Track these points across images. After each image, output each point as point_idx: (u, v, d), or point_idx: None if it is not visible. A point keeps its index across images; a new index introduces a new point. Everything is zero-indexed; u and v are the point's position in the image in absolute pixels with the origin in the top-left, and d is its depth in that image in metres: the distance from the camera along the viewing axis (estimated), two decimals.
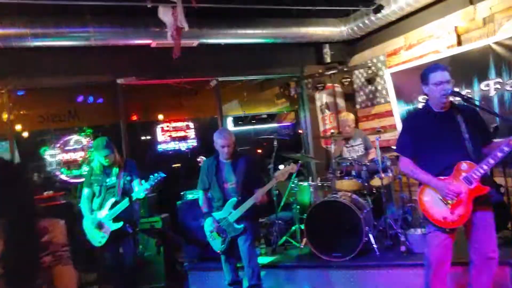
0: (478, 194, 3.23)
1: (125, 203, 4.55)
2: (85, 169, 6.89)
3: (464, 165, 3.25)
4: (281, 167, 4.43)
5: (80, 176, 6.84)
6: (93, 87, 6.59)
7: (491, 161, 3.15)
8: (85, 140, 7.07)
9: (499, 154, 3.11)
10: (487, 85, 5.06)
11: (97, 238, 4.60)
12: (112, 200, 4.61)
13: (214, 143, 4.59)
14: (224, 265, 4.69)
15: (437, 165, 3.35)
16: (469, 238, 3.39)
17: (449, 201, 3.26)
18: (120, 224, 4.57)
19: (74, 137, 7.06)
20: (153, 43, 5.96)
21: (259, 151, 9.21)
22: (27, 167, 6.06)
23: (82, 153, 7.02)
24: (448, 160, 3.31)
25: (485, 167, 3.17)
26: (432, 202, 3.36)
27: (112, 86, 6.32)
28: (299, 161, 5.95)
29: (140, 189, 4.63)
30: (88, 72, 6.12)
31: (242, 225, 4.39)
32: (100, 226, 4.59)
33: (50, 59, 5.84)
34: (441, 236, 3.36)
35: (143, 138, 8.47)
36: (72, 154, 6.97)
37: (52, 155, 6.90)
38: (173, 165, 8.44)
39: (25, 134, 7.07)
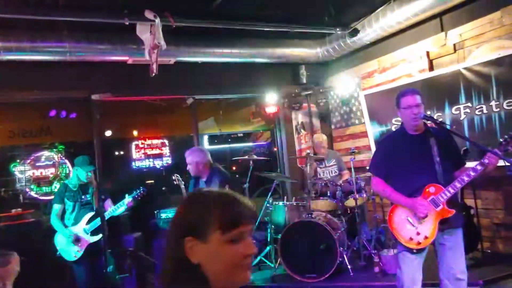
0: (444, 216, 3.29)
1: (98, 220, 4.52)
2: (56, 185, 6.72)
3: (431, 188, 3.33)
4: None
5: (50, 193, 6.66)
6: (67, 103, 6.46)
7: (458, 185, 3.23)
8: (56, 157, 6.89)
9: (466, 179, 3.20)
10: (458, 109, 5.20)
11: (73, 252, 4.56)
12: (90, 214, 4.66)
13: None
14: None
15: (407, 187, 3.41)
16: (438, 260, 3.45)
17: (421, 219, 3.31)
18: (99, 236, 4.57)
19: (45, 153, 6.87)
20: (129, 59, 5.92)
21: (234, 169, 9.17)
22: None
23: (53, 170, 6.84)
24: (418, 182, 3.37)
25: (451, 190, 3.25)
26: (400, 222, 3.42)
27: (87, 102, 6.22)
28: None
29: (113, 208, 4.68)
30: (62, 88, 6.00)
31: None
32: (76, 240, 4.57)
33: (24, 73, 5.70)
34: (410, 256, 3.41)
35: (117, 155, 8.34)
36: (43, 170, 6.79)
37: (21, 171, 6.70)
38: (147, 182, 8.32)
39: None
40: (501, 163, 3.22)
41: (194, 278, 1.17)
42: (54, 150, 6.94)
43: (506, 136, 3.17)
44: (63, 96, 6.20)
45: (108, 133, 7.23)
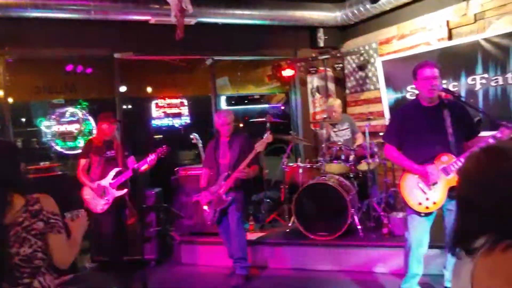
0: (454, 184, 3.49)
1: (128, 173, 4.77)
2: (80, 141, 6.99)
3: (444, 157, 3.52)
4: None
5: (75, 148, 6.94)
6: (90, 60, 6.60)
7: None
8: (80, 113, 7.12)
9: None
10: (474, 80, 5.27)
11: (99, 205, 4.81)
12: (116, 169, 4.87)
13: (215, 123, 5.09)
14: (223, 239, 5.04)
15: (420, 156, 3.60)
16: (445, 224, 3.68)
17: (431, 185, 3.51)
18: (124, 191, 4.86)
19: (70, 109, 7.09)
20: (152, 19, 6.01)
21: (249, 130, 9.35)
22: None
23: (77, 126, 7.08)
24: (430, 151, 3.56)
25: (463, 160, 3.43)
26: (410, 187, 3.64)
27: (109, 60, 6.36)
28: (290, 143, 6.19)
29: (139, 164, 4.89)
30: (85, 45, 6.14)
31: (229, 198, 4.77)
32: (104, 192, 4.81)
33: (49, 30, 5.83)
34: (418, 219, 3.64)
35: (137, 113, 8.55)
36: (67, 126, 7.03)
37: (47, 126, 6.95)
38: (161, 136, 8.55)
39: (21, 104, 7.09)
40: None
41: None
42: (78, 106, 7.15)
43: None
44: (86, 53, 6.34)
45: (129, 91, 7.37)
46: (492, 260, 1.33)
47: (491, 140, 3.28)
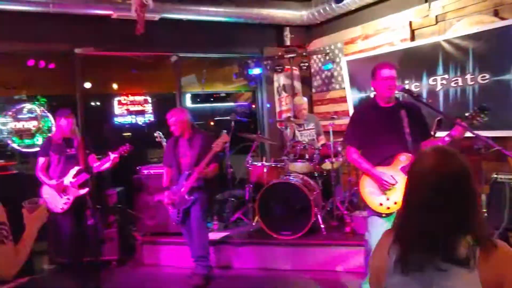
0: None
1: (85, 174, 4.65)
2: (38, 139, 6.75)
3: (403, 156, 3.56)
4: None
5: (33, 145, 6.69)
6: (49, 55, 6.37)
7: None
8: (39, 110, 6.86)
9: None
10: (435, 80, 5.37)
11: (59, 205, 4.66)
12: (76, 168, 4.74)
13: None
14: (187, 240, 4.96)
15: (379, 155, 3.65)
16: None
17: (385, 191, 3.56)
18: (85, 190, 4.72)
19: (27, 105, 6.83)
20: (114, 14, 5.87)
21: (214, 128, 9.27)
22: None
23: (35, 123, 6.81)
24: (389, 151, 3.61)
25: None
26: (371, 188, 3.66)
27: (70, 55, 6.15)
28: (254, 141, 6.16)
29: (99, 163, 4.80)
30: (45, 40, 5.92)
31: (192, 197, 4.68)
32: (64, 190, 4.68)
33: (6, 24, 5.60)
34: (378, 220, 3.66)
35: (99, 110, 8.34)
36: (25, 123, 6.77)
37: (3, 123, 6.67)
38: (124, 134, 8.38)
39: None
40: (469, 134, 3.43)
41: None
42: (36, 103, 6.89)
43: (471, 111, 3.38)
44: (45, 48, 6.11)
45: (91, 87, 7.17)
46: (496, 258, 1.31)
47: (447, 139, 3.34)
